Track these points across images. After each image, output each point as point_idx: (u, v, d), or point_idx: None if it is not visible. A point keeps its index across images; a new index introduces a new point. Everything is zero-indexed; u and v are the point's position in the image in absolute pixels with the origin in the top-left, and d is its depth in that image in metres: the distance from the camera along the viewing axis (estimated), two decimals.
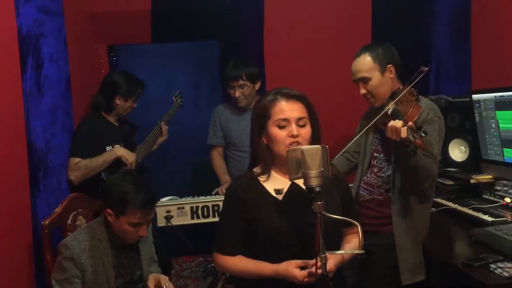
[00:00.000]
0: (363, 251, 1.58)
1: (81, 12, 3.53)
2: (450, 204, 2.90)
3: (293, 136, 1.76)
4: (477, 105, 2.98)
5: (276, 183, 1.83)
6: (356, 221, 1.87)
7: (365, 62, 2.45)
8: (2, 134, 2.23)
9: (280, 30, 3.88)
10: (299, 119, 1.79)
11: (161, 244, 3.31)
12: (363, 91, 2.47)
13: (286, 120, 1.78)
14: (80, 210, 2.59)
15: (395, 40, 3.85)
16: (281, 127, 1.79)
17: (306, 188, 1.58)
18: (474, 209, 2.69)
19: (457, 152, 3.30)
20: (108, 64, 3.99)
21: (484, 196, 2.89)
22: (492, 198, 2.81)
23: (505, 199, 2.70)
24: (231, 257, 1.85)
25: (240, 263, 1.84)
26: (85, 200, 2.67)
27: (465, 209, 2.74)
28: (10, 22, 2.34)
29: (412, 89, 2.43)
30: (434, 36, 3.86)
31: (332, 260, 1.71)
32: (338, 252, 1.63)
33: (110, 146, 3.13)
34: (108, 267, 2.20)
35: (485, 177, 2.97)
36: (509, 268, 1.93)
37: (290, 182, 1.77)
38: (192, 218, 2.85)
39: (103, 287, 2.18)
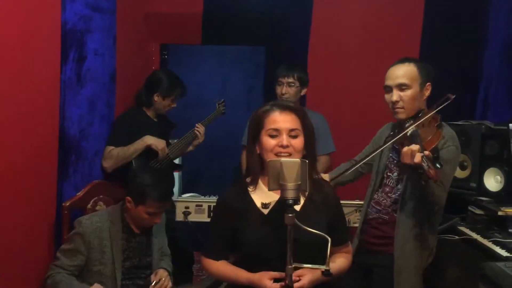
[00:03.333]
0: (329, 267, 1.59)
1: (135, 11, 3.74)
2: (473, 234, 2.80)
3: (282, 146, 1.79)
4: None
5: (264, 197, 1.86)
6: (341, 243, 1.91)
7: (410, 70, 2.37)
8: (35, 119, 2.42)
9: (325, 41, 3.91)
10: (291, 130, 1.82)
11: (183, 238, 3.45)
12: (395, 98, 2.37)
13: (277, 130, 1.82)
14: (101, 196, 2.77)
15: (444, 60, 3.81)
16: (272, 137, 1.82)
17: (282, 199, 1.62)
18: (494, 242, 2.59)
19: (493, 181, 3.15)
20: (159, 62, 4.18)
21: (510, 230, 2.76)
22: None
23: None
24: (215, 262, 1.93)
25: (222, 268, 1.91)
26: (108, 187, 2.85)
27: (485, 241, 2.63)
28: (55, 17, 2.54)
29: (437, 114, 2.38)
30: (485, 60, 3.73)
31: (308, 276, 1.74)
32: (304, 265, 1.65)
33: None
34: (116, 249, 2.38)
35: None
36: None
37: (277, 197, 1.80)
38: (209, 216, 2.94)
39: (107, 267, 2.36)
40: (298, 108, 1.89)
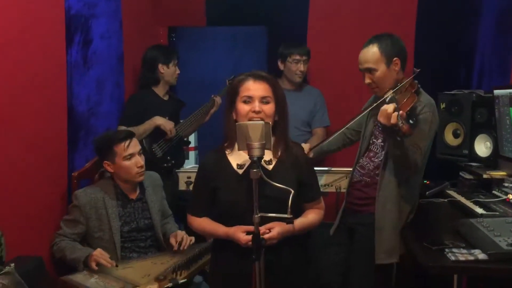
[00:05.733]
0: (291, 216, 1.78)
1: None
2: (458, 196, 2.93)
3: (255, 112, 1.99)
4: (497, 101, 2.96)
5: (240, 158, 2.05)
6: (311, 199, 2.14)
7: (372, 54, 2.53)
8: (45, 98, 2.66)
9: (324, 17, 4.05)
10: (263, 97, 2.01)
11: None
12: (368, 80, 2.57)
13: (250, 97, 2.01)
14: None
15: (440, 34, 3.90)
16: (246, 103, 2.02)
17: (249, 157, 1.82)
18: (475, 202, 2.72)
19: (483, 147, 3.27)
20: (167, 44, 4.38)
21: (493, 191, 2.89)
22: (499, 194, 2.81)
23: (508, 195, 2.71)
24: (198, 218, 2.16)
25: (203, 223, 2.15)
26: None
27: (467, 202, 2.77)
28: (59, 4, 2.77)
29: (414, 81, 2.52)
30: (479, 32, 3.79)
31: (278, 228, 1.94)
32: (269, 214, 1.84)
33: None
34: (112, 215, 2.62)
35: (498, 173, 2.95)
36: (461, 254, 2.01)
37: None
38: None
39: (106, 232, 2.62)
40: (270, 77, 2.08)
